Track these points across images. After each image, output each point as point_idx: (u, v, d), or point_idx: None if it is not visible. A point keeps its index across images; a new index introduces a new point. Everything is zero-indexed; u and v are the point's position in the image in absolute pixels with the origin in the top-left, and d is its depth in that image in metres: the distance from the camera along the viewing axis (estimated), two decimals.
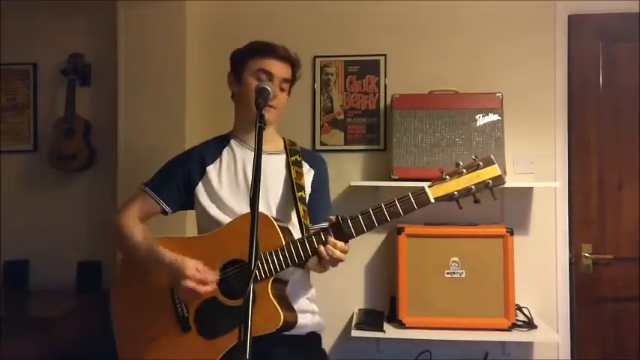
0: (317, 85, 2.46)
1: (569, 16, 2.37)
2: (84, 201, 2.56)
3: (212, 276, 1.29)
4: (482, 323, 2.07)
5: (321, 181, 1.54)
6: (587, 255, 2.33)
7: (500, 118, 2.20)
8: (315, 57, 2.45)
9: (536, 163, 2.35)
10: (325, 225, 1.29)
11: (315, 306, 1.52)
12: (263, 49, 1.46)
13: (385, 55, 2.44)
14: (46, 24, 2.58)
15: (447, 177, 1.23)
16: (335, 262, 1.26)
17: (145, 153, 2.27)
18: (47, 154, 2.51)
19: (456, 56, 2.40)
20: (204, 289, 1.27)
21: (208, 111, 2.45)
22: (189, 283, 1.26)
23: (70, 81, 2.49)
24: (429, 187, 1.23)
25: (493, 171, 1.22)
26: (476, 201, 1.23)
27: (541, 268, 2.33)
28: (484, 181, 1.22)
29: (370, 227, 1.24)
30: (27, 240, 2.53)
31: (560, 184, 2.29)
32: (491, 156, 1.23)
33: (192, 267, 1.28)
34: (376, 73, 2.44)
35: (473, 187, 1.22)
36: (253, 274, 0.97)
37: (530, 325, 2.12)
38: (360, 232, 1.25)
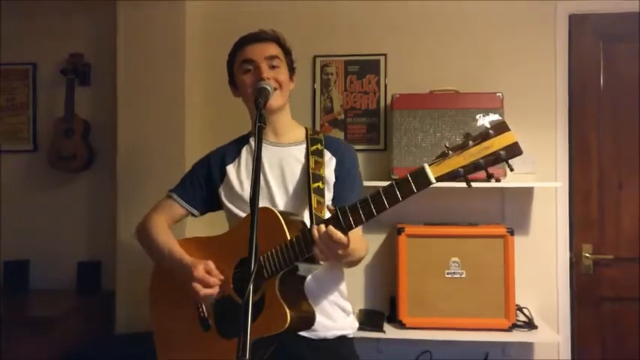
0: (317, 85, 2.46)
1: (570, 16, 2.37)
2: (84, 201, 2.56)
3: (216, 279, 1.28)
4: (483, 323, 2.07)
5: (344, 169, 1.44)
6: (587, 255, 2.33)
7: (500, 118, 2.19)
8: (315, 57, 2.45)
9: (537, 163, 2.35)
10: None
11: (347, 304, 1.45)
12: (238, 43, 1.45)
13: (385, 54, 2.43)
14: (45, 24, 2.58)
15: (450, 152, 1.04)
16: (332, 254, 1.16)
17: (145, 153, 2.28)
18: (47, 154, 2.51)
19: (456, 56, 2.40)
20: (204, 291, 1.27)
21: (208, 111, 2.45)
22: (193, 284, 1.27)
23: (70, 81, 2.49)
24: (429, 165, 1.06)
25: (507, 139, 1.01)
26: (488, 176, 1.04)
27: (541, 268, 2.33)
28: (496, 152, 1.01)
29: (369, 216, 1.12)
30: (27, 240, 2.53)
31: (560, 184, 2.29)
32: (505, 121, 1.03)
33: (201, 269, 1.28)
34: (376, 72, 2.44)
35: (481, 160, 1.02)
36: (253, 274, 0.96)
37: (530, 325, 2.11)
38: (359, 222, 1.13)
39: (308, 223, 1.35)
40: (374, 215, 1.12)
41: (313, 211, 1.34)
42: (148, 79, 2.30)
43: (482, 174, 1.05)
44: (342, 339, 1.41)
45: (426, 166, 1.07)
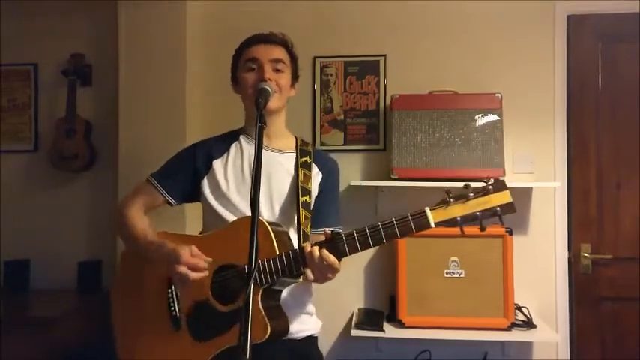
0: (317, 86, 2.47)
1: (569, 17, 2.38)
2: (85, 201, 2.57)
3: (204, 262, 1.27)
4: (482, 323, 2.08)
5: (328, 185, 1.48)
6: (586, 255, 2.34)
7: (499, 119, 2.20)
8: (315, 57, 2.46)
9: (536, 163, 2.36)
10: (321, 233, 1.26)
11: (312, 307, 1.50)
12: (246, 41, 1.46)
13: (385, 55, 2.44)
14: (46, 24, 2.59)
15: (452, 200, 1.13)
16: (322, 276, 1.21)
17: (146, 153, 2.28)
18: (48, 154, 2.52)
19: (456, 56, 2.41)
20: (193, 275, 1.25)
21: (209, 111, 2.45)
22: (181, 268, 1.25)
23: (71, 81, 2.50)
24: (430, 209, 1.14)
25: (504, 197, 1.11)
26: (481, 229, 1.13)
27: (540, 267, 2.33)
28: (492, 208, 1.12)
29: (365, 246, 1.18)
30: (28, 240, 2.54)
31: (559, 184, 2.30)
32: (504, 180, 1.14)
33: (187, 252, 1.27)
34: (376, 73, 2.45)
35: (479, 213, 1.12)
36: (253, 274, 0.97)
37: (529, 324, 2.12)
38: (354, 250, 1.18)
39: (293, 236, 1.37)
40: (370, 246, 1.18)
41: (301, 226, 1.37)
42: (149, 79, 2.31)
43: None
44: (309, 338, 1.45)
45: (428, 210, 1.14)
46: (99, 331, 2.32)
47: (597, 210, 2.35)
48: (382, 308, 2.33)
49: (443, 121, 2.22)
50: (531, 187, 2.33)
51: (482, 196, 1.13)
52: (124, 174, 2.32)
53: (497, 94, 2.22)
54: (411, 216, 1.15)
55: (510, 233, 2.10)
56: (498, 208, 1.12)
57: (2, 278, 2.49)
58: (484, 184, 1.13)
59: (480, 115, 2.21)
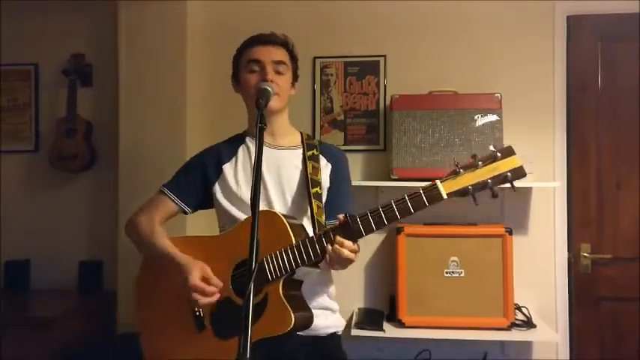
0: (317, 86, 2.47)
1: (568, 17, 2.38)
2: (85, 201, 2.57)
3: (214, 287, 1.28)
4: (482, 322, 2.08)
5: (338, 175, 1.50)
6: (585, 255, 2.34)
7: (499, 119, 2.20)
8: (315, 57, 2.46)
9: (535, 163, 2.34)
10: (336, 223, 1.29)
11: (335, 304, 1.50)
12: (248, 41, 1.47)
13: (385, 55, 2.44)
14: (47, 24, 2.59)
15: (461, 170, 1.13)
16: (343, 262, 1.22)
17: (146, 153, 2.28)
18: (49, 154, 2.52)
19: (456, 57, 2.41)
20: (203, 300, 1.26)
21: (209, 111, 2.46)
22: (192, 294, 1.27)
23: (72, 81, 2.50)
24: (441, 181, 1.14)
25: (512, 162, 1.12)
26: (494, 195, 1.12)
27: (540, 267, 2.33)
28: (502, 173, 1.12)
29: (380, 225, 1.18)
30: (28, 240, 2.54)
31: (559, 184, 2.30)
32: (512, 146, 1.13)
33: (197, 276, 1.27)
34: (376, 73, 2.45)
35: (489, 180, 1.12)
36: (254, 274, 0.97)
37: (529, 324, 2.12)
38: (369, 230, 1.19)
39: (308, 227, 1.38)
40: (384, 224, 1.19)
41: (315, 216, 1.38)
42: (149, 79, 2.31)
43: None
44: (333, 336, 1.45)
45: (439, 182, 1.14)
46: (99, 331, 2.33)
47: (597, 210, 2.35)
48: (382, 308, 2.34)
49: (442, 121, 2.22)
50: (531, 187, 2.34)
51: (491, 163, 1.12)
52: (125, 174, 2.33)
53: (496, 95, 2.22)
54: (423, 190, 1.16)
55: (510, 233, 2.10)
56: (509, 174, 1.12)
57: (2, 278, 2.49)
58: (491, 151, 1.13)
59: (479, 116, 2.21)
